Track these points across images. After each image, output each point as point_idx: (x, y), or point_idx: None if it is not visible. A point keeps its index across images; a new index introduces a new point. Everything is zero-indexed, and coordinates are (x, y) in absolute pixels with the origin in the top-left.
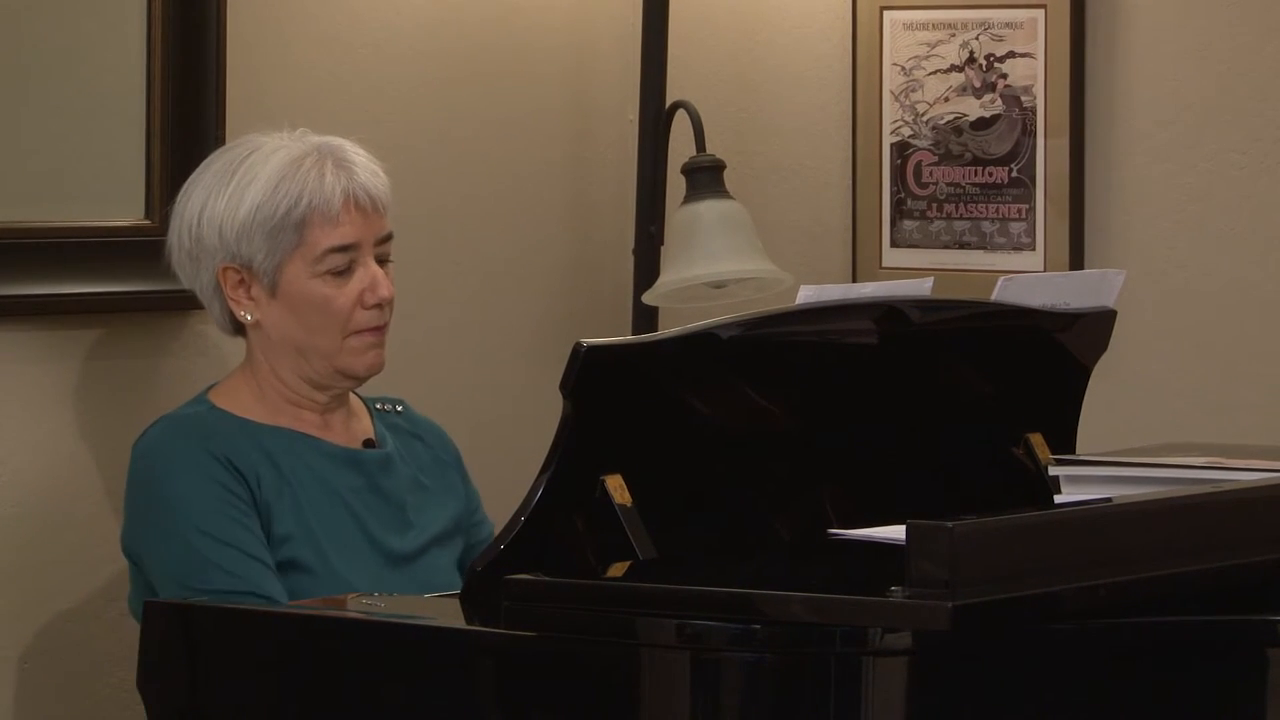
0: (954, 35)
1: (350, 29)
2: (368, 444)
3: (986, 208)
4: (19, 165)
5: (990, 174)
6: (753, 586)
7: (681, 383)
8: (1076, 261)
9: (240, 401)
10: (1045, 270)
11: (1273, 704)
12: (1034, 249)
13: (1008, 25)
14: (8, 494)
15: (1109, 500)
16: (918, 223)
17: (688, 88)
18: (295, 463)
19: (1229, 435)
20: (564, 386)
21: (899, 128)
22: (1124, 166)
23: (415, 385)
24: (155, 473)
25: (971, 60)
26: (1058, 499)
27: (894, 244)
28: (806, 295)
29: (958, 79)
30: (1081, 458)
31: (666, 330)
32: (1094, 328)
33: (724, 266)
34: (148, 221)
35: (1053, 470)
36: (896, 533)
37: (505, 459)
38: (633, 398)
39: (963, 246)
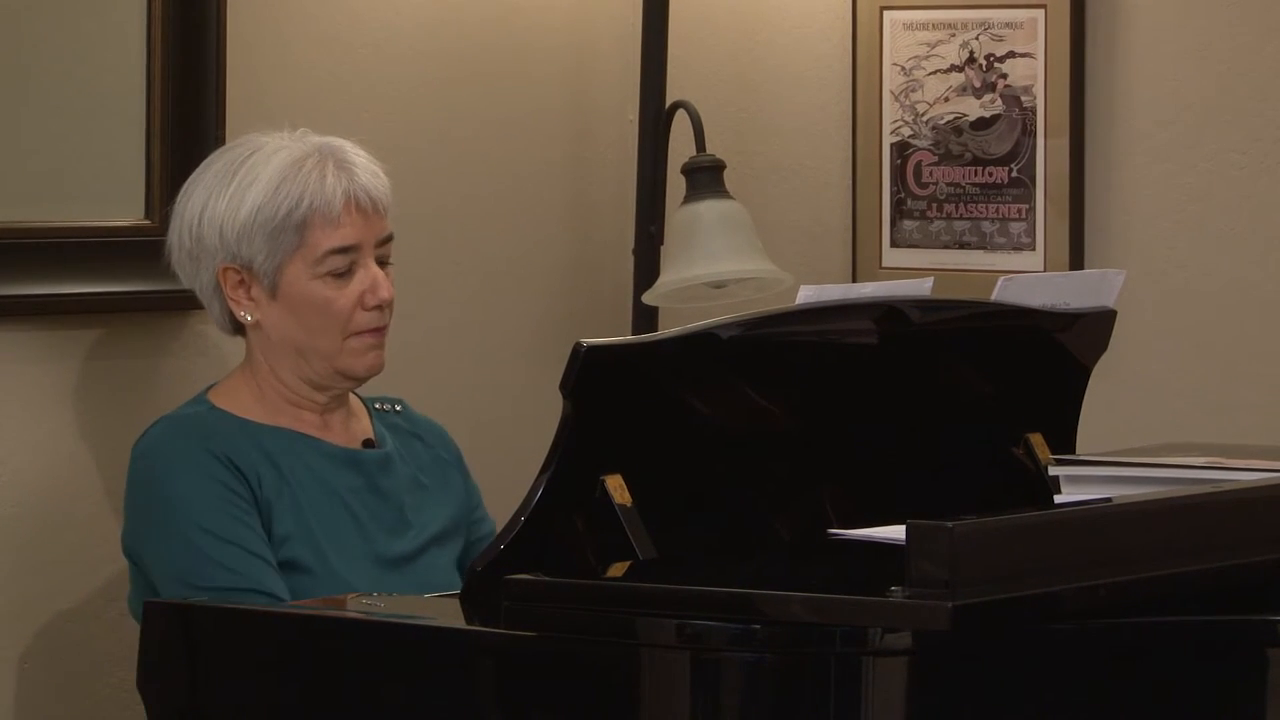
0: (954, 35)
1: (350, 29)
2: (367, 444)
3: (986, 208)
4: (19, 165)
5: (990, 174)
6: (753, 586)
7: (681, 383)
8: (1076, 261)
9: (240, 402)
10: (1045, 270)
11: (1273, 704)
12: (1034, 249)
13: (1008, 25)
14: (8, 494)
15: (1109, 500)
16: (918, 223)
17: (688, 88)
18: (295, 463)
19: (1229, 435)
20: (564, 386)
21: (899, 128)
22: (1124, 166)
23: (415, 385)
24: (156, 472)
25: (971, 60)
26: (1058, 499)
27: (894, 244)
28: (806, 295)
29: (958, 79)
30: (1081, 458)
31: (666, 330)
32: (1094, 328)
33: (724, 266)
34: (148, 221)
35: (1053, 470)
36: (896, 533)
37: (505, 459)
38: (633, 398)
39: (963, 246)
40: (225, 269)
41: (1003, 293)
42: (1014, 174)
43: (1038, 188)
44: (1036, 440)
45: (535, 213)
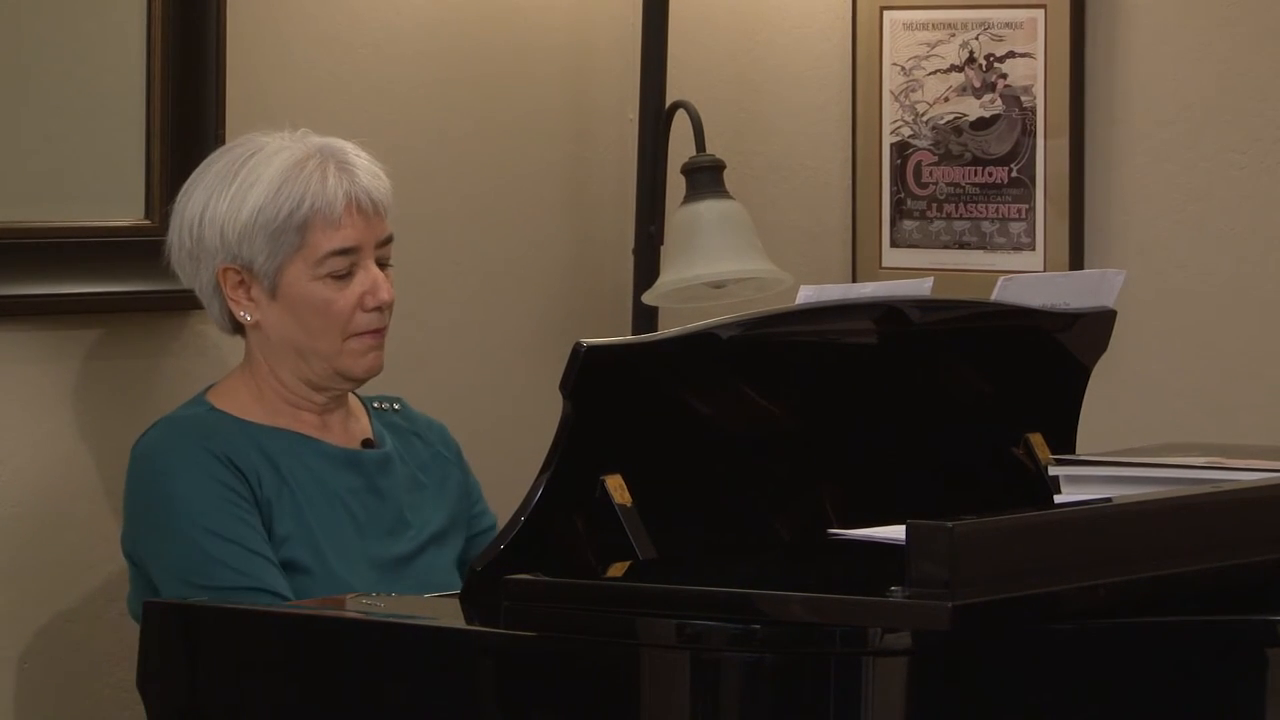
0: (954, 35)
1: (350, 29)
2: (366, 444)
3: (986, 208)
4: (19, 165)
5: (990, 174)
6: (753, 586)
7: (681, 383)
8: (1076, 261)
9: (239, 402)
10: (1045, 270)
11: (1273, 704)
12: (1034, 249)
13: (1008, 25)
14: (8, 494)
15: (1109, 500)
16: (917, 223)
17: (688, 88)
18: (294, 463)
19: (1229, 435)
20: (564, 386)
21: (899, 128)
22: (1124, 166)
23: (415, 385)
24: (156, 473)
25: (971, 60)
26: (1058, 499)
27: (894, 244)
28: (806, 295)
29: (958, 79)
30: (1081, 458)
31: (666, 330)
32: (1094, 328)
33: (724, 266)
34: (148, 221)
35: (1053, 470)
36: (896, 533)
37: (505, 459)
38: (633, 398)
39: (963, 246)
40: (225, 269)
41: (1003, 293)
42: (1014, 174)
43: (1038, 188)
44: (1036, 440)
45: (535, 213)
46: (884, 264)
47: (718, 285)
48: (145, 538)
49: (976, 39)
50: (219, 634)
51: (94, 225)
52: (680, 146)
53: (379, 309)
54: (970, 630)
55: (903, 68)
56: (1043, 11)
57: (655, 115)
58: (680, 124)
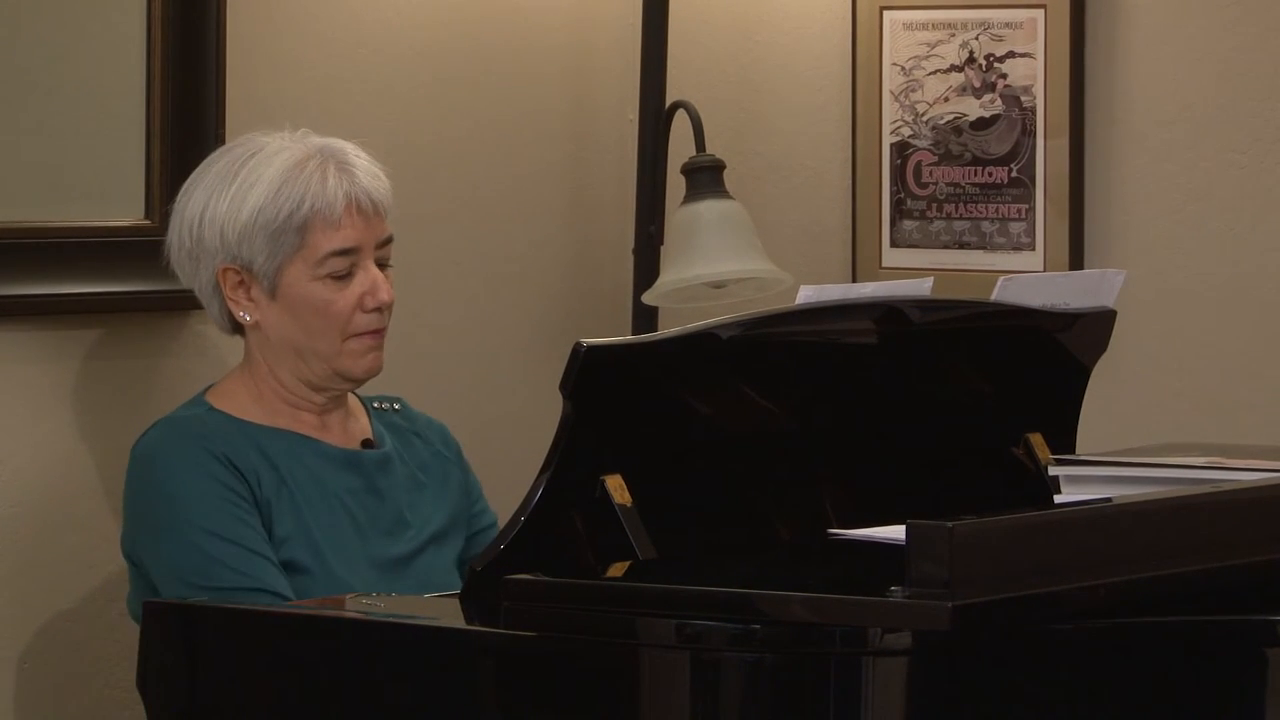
0: (954, 35)
1: (350, 29)
2: (366, 444)
3: (986, 208)
4: (19, 165)
5: (990, 174)
6: (753, 586)
7: (681, 383)
8: (1076, 261)
9: (238, 403)
10: (1045, 270)
11: (1272, 704)
12: (1034, 249)
13: (1008, 25)
14: (8, 494)
15: (1109, 500)
16: (917, 223)
17: (688, 88)
18: (293, 464)
19: (1229, 435)
20: (564, 387)
21: (899, 128)
22: (1124, 166)
23: (415, 385)
24: (156, 474)
25: (971, 60)
26: (1058, 499)
27: (894, 244)
28: (806, 295)
29: (957, 79)
30: (1081, 458)
31: (666, 330)
32: (1094, 328)
33: (724, 266)
34: (148, 221)
35: (1053, 470)
36: (896, 533)
37: (505, 459)
38: (633, 398)
39: (962, 246)
40: (225, 269)
41: (1003, 293)
42: (1014, 174)
43: (1037, 188)
44: (1036, 440)
45: (535, 213)
46: (884, 264)
47: (718, 285)
48: (145, 538)
49: (976, 39)
50: (219, 634)
51: (94, 225)
52: (680, 146)
53: (379, 309)
54: (970, 630)
55: (903, 68)
56: (1043, 11)
57: (655, 115)
58: (680, 124)
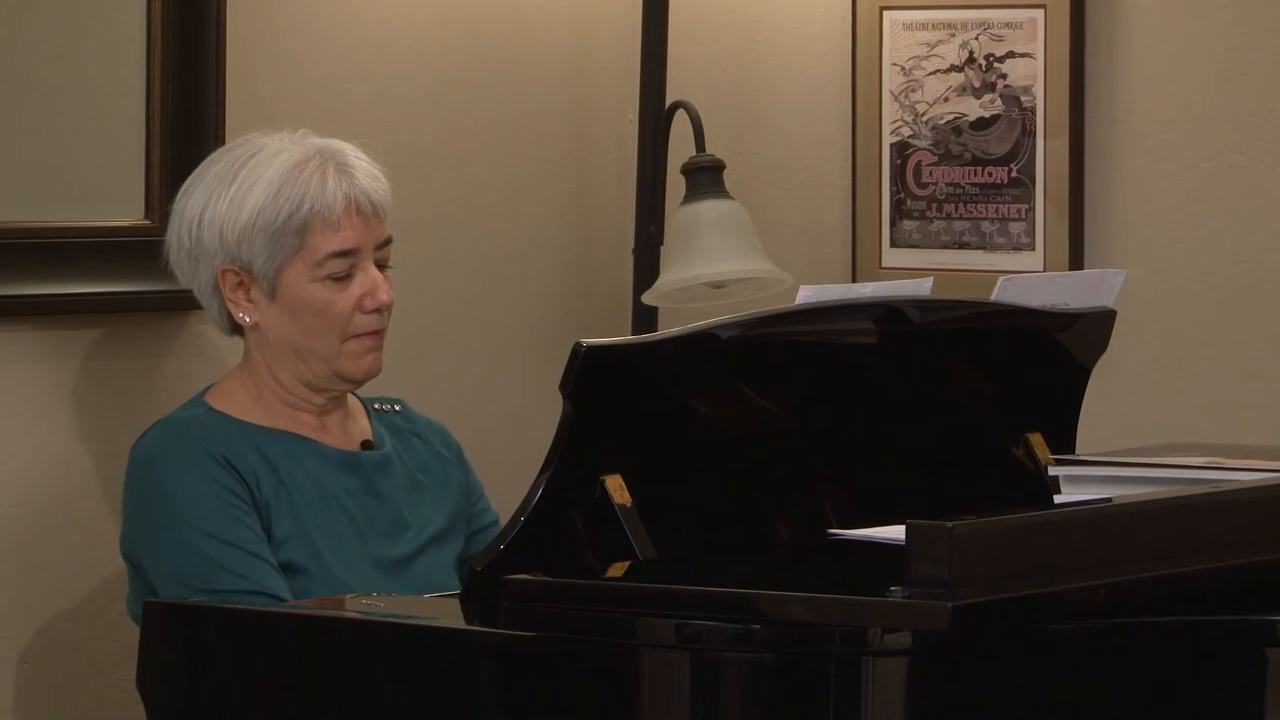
0: (954, 35)
1: (350, 29)
2: (365, 445)
3: (986, 208)
4: (19, 165)
5: (990, 174)
6: (753, 586)
7: (681, 383)
8: (1076, 261)
9: (237, 403)
10: (1045, 270)
11: (1272, 704)
12: (1034, 249)
13: (1007, 25)
14: (8, 494)
15: (1109, 500)
16: (917, 223)
17: (688, 88)
18: (292, 465)
19: (1229, 435)
20: (564, 387)
21: (899, 128)
22: (1124, 166)
23: (415, 385)
24: (155, 475)
25: (971, 60)
26: (1058, 499)
27: (894, 244)
28: (806, 295)
29: (957, 79)
30: (1081, 458)
31: (666, 330)
32: (1094, 328)
33: (724, 266)
34: (148, 221)
35: (1053, 470)
36: (896, 533)
37: (505, 459)
38: (633, 398)
39: (962, 246)
40: (224, 270)
41: (1003, 293)
42: (1014, 174)
43: (1037, 188)
44: (1036, 440)
45: (535, 213)
46: (884, 264)
47: (718, 285)
48: (143, 539)
49: (976, 39)
50: (219, 634)
51: (94, 225)
52: (680, 146)
53: (378, 311)
54: (970, 630)
55: (902, 68)
56: (1043, 11)
57: (655, 115)
58: (680, 124)
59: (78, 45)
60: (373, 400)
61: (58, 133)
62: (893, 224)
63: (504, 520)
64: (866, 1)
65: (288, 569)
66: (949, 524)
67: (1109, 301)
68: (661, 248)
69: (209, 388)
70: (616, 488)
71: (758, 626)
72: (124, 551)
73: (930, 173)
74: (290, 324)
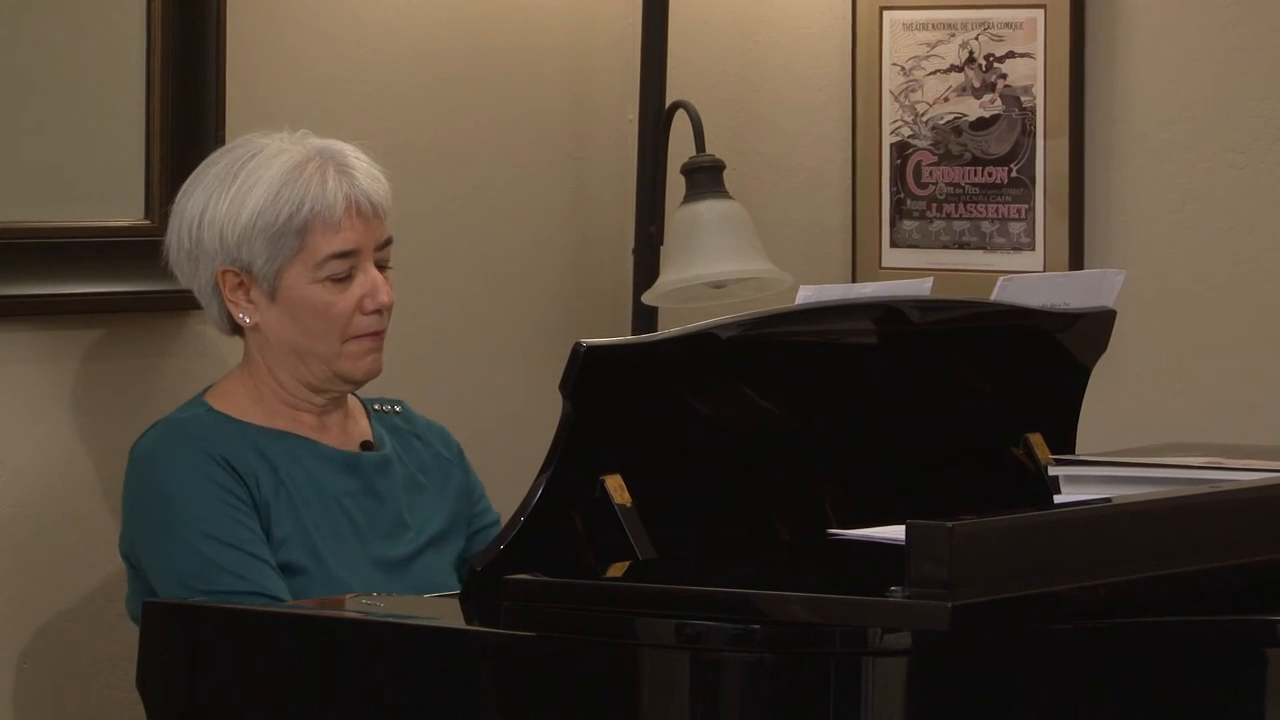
0: (954, 35)
1: (350, 29)
2: (365, 446)
3: (986, 208)
4: (19, 165)
5: (990, 174)
6: (753, 586)
7: (681, 383)
8: (1076, 261)
9: (237, 404)
10: (1045, 270)
11: (1272, 704)
12: (1034, 249)
13: (1007, 25)
14: (8, 494)
15: (1109, 500)
16: (917, 223)
17: (688, 88)
18: (291, 465)
19: (1229, 435)
20: (564, 387)
21: (899, 128)
22: (1124, 166)
23: (415, 385)
24: (154, 476)
25: (971, 60)
26: (1058, 499)
27: (894, 244)
28: (806, 295)
29: (957, 79)
30: (1081, 458)
31: (666, 330)
32: (1094, 328)
33: (724, 266)
34: (148, 221)
35: (1053, 470)
36: (896, 533)
37: (505, 459)
38: (633, 398)
39: (962, 246)
40: (224, 271)
41: (1002, 293)
42: (1014, 174)
43: (1037, 188)
44: (1036, 440)
45: (535, 213)
46: (884, 264)
47: (718, 285)
48: (143, 540)
49: (976, 39)
50: (219, 634)
51: (94, 225)
52: (680, 146)
53: (378, 311)
54: (970, 630)
55: (902, 68)
56: (1043, 11)
57: (655, 115)
58: (680, 124)
59: (78, 45)
60: (373, 401)
61: (58, 133)
62: (893, 224)
63: (504, 520)
64: (866, 1)
65: (287, 569)
66: (949, 524)
67: (1109, 301)
68: (661, 248)
69: (209, 388)
70: (616, 488)
71: (758, 626)
72: (123, 552)
73: (930, 173)
74: (290, 325)
